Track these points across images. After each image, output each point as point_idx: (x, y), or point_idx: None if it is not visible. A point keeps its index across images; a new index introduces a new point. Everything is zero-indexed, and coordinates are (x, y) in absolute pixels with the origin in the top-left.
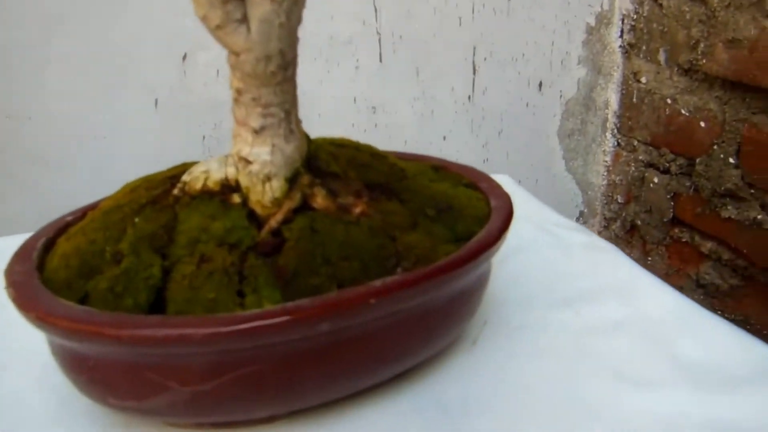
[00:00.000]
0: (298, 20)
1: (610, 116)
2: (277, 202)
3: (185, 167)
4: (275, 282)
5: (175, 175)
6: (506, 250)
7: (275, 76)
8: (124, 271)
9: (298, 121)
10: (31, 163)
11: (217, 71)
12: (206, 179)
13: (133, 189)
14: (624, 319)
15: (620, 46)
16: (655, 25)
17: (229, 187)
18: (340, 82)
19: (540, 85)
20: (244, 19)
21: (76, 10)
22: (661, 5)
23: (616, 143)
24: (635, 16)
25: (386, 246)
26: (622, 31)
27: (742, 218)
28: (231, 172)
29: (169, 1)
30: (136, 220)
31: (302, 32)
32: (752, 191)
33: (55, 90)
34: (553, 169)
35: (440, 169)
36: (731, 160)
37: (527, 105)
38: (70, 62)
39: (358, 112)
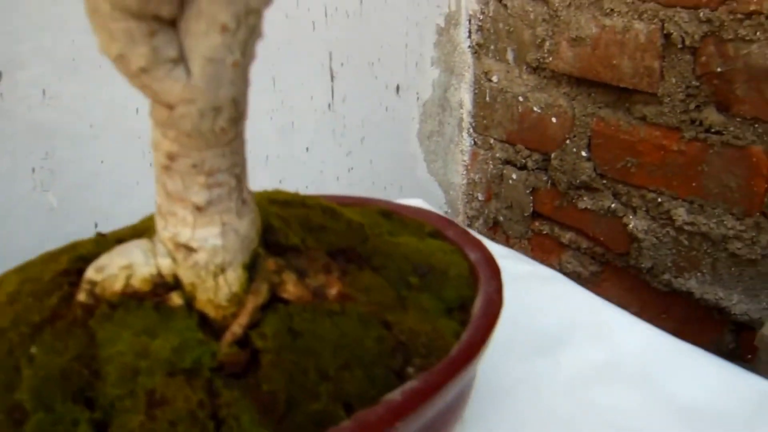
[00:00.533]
0: (254, 55)
1: (465, 116)
2: (237, 299)
3: (75, 251)
4: (263, 419)
5: (68, 268)
6: None
7: (225, 133)
8: None
9: (248, 187)
10: None
11: (43, 91)
12: (129, 277)
13: (11, 298)
14: (605, 363)
15: (469, 47)
16: (501, 25)
17: (164, 284)
18: None
19: (397, 88)
20: (181, 58)
21: None
22: (505, 5)
23: (472, 142)
24: (481, 17)
25: (385, 338)
26: (470, 32)
27: (597, 208)
28: (165, 264)
29: None
30: (33, 350)
31: None
32: (604, 182)
33: None
34: (417, 173)
35: (391, 214)
36: (583, 153)
37: (387, 109)
38: None
39: None
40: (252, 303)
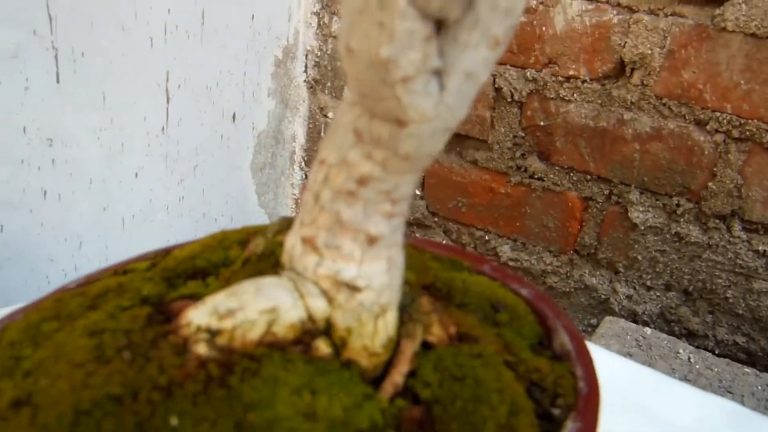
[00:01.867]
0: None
1: (297, 149)
2: (391, 345)
3: (162, 287)
4: None
5: (149, 314)
6: None
7: (431, 157)
8: None
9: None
10: None
11: None
12: (271, 323)
13: (97, 354)
14: None
15: (305, 81)
16: (338, 63)
17: (312, 331)
18: (4, 105)
19: (234, 116)
20: (439, 71)
21: None
22: None
23: (303, 176)
24: (319, 53)
25: (522, 378)
26: (306, 66)
27: None
28: (319, 306)
29: None
30: (174, 422)
31: None
32: (436, 219)
33: None
34: (247, 205)
35: (419, 249)
36: (417, 192)
37: (222, 137)
38: None
39: (30, 144)
40: (410, 348)
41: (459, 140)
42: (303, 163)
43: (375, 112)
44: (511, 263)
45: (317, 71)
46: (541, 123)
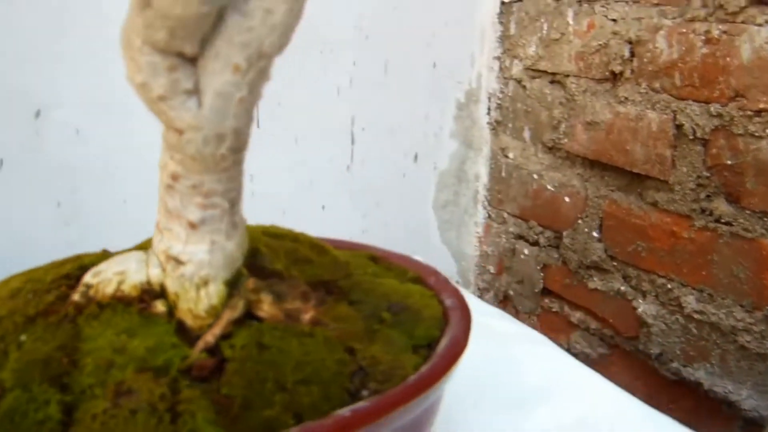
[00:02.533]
0: (260, 95)
1: (480, 189)
2: (214, 312)
3: (80, 261)
4: (218, 419)
5: (69, 273)
6: None
7: (224, 159)
8: (6, 413)
9: (241, 213)
10: None
11: (76, 130)
12: (120, 282)
13: (13, 293)
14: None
15: (488, 123)
16: (519, 105)
17: (151, 292)
18: None
19: (416, 156)
20: (195, 90)
21: None
22: (524, 87)
23: (486, 215)
24: (501, 96)
25: (347, 362)
26: (489, 109)
27: (606, 289)
28: (155, 274)
29: (22, 50)
30: (23, 338)
31: None
32: (614, 264)
33: None
34: (430, 240)
35: (379, 260)
36: (595, 234)
37: (404, 176)
38: None
39: None
40: (227, 316)
41: (638, 180)
42: (486, 203)
43: (165, 124)
44: (696, 316)
45: (499, 113)
46: (729, 162)
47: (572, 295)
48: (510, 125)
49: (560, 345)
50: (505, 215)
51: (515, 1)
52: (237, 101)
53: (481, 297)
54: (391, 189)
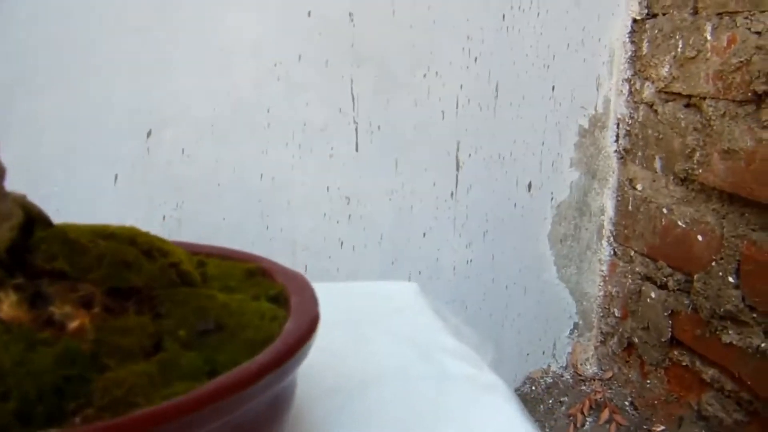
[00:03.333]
0: None
1: (605, 223)
2: None
3: None
4: None
5: None
6: (359, 381)
7: None
8: None
9: (7, 196)
10: None
11: (182, 150)
12: None
13: None
14: None
15: (615, 151)
16: (650, 131)
17: None
18: (313, 169)
19: (529, 185)
20: None
21: (39, 75)
22: (656, 111)
23: (612, 252)
24: (630, 121)
25: (77, 380)
26: (617, 136)
27: (744, 345)
28: None
29: (136, 74)
30: None
31: (273, 115)
32: (754, 315)
33: (10, 157)
34: (544, 276)
35: (258, 274)
36: (731, 279)
37: (515, 206)
38: (29, 128)
39: (331, 201)
40: None
41: None
42: (612, 238)
43: None
44: None
45: (628, 140)
46: None
47: (704, 349)
48: (639, 153)
49: (690, 405)
50: (632, 253)
51: (648, 18)
52: None
53: (604, 342)
54: (500, 219)
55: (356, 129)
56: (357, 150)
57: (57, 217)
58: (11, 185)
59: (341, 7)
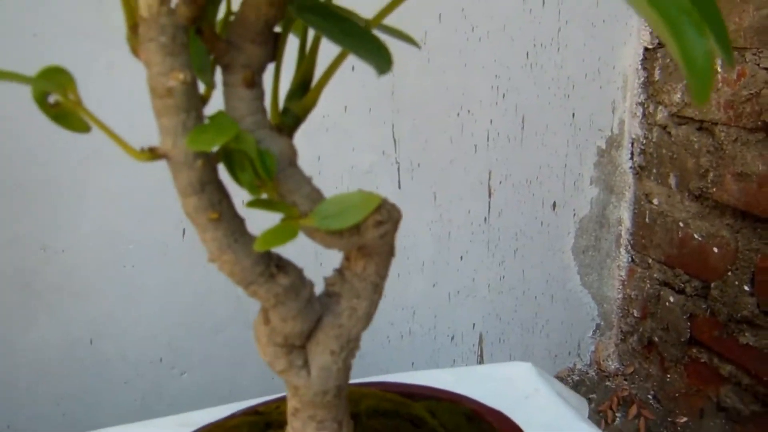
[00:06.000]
0: (352, 359)
1: (623, 233)
2: None
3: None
4: None
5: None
6: None
7: (331, 402)
8: None
9: (349, 424)
10: (60, 292)
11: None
12: None
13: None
14: None
15: (631, 168)
16: (664, 151)
17: None
18: None
19: (554, 205)
20: (305, 365)
21: (111, 146)
22: (669, 133)
23: (630, 259)
24: (644, 141)
25: None
26: (632, 154)
27: (760, 346)
28: None
29: None
30: None
31: (323, 162)
32: None
33: (89, 224)
34: (569, 284)
35: (474, 417)
36: (746, 288)
37: (542, 224)
38: (104, 196)
39: None
40: None
41: None
42: (629, 247)
43: (285, 382)
44: None
45: (643, 158)
46: None
47: (722, 348)
48: (654, 171)
49: (709, 398)
50: (650, 260)
51: (659, 47)
52: (335, 371)
53: (624, 340)
54: (528, 237)
55: (398, 168)
56: (399, 187)
57: (136, 270)
58: (96, 243)
59: None
